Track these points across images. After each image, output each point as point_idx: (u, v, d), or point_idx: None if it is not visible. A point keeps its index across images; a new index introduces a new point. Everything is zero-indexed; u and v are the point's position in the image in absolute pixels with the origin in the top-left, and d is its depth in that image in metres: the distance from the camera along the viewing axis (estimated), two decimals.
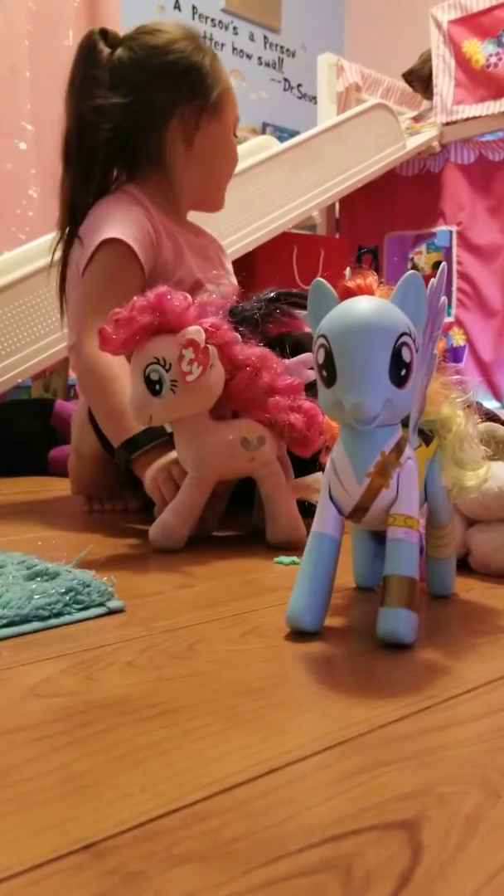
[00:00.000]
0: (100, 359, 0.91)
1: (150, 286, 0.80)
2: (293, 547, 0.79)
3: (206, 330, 0.75)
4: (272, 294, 0.88)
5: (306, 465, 0.85)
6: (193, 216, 1.18)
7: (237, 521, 0.93)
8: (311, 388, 0.84)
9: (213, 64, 1.07)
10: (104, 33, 1.06)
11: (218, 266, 1.13)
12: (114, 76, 1.04)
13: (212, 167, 1.11)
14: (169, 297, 0.75)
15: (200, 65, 1.06)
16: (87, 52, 1.05)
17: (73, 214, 1.06)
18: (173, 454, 0.84)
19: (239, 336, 0.82)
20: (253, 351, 0.81)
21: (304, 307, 0.88)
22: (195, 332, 0.74)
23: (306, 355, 0.88)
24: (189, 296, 0.78)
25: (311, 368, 0.85)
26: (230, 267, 1.21)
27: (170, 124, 1.06)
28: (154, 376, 0.74)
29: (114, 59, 1.04)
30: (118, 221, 1.00)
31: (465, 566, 0.69)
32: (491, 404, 2.37)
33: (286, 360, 0.86)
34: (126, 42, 1.05)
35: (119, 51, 1.05)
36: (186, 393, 0.75)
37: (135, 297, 0.77)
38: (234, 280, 1.17)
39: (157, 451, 0.88)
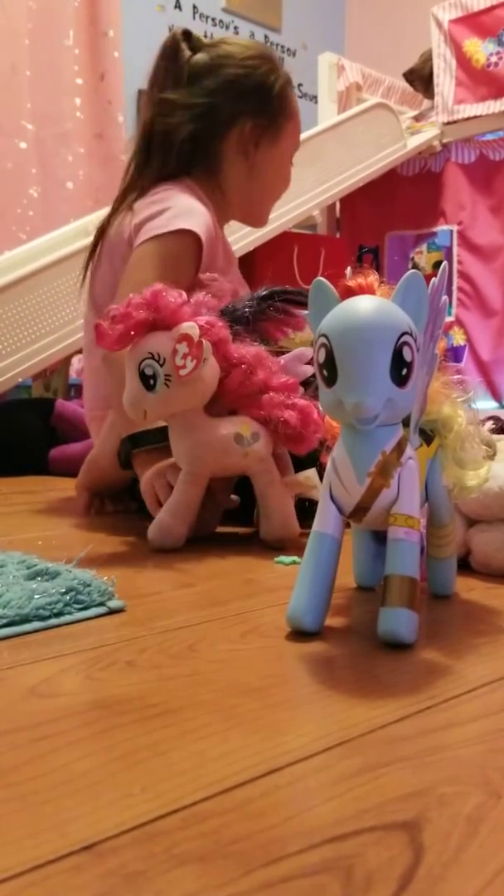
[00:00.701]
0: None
1: (201, 288, 0.84)
2: (286, 545, 0.80)
3: (200, 327, 0.76)
4: (265, 292, 0.88)
5: (305, 464, 0.85)
6: None
7: (237, 521, 0.93)
8: (308, 385, 0.84)
9: (283, 88, 1.12)
10: (187, 35, 1.11)
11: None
12: (190, 77, 1.09)
13: (263, 185, 1.16)
14: (164, 294, 0.77)
15: (271, 85, 1.11)
16: (170, 49, 1.10)
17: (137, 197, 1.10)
18: (171, 459, 0.84)
19: (233, 335, 0.82)
20: (248, 350, 0.82)
21: (301, 304, 0.88)
22: (189, 327, 0.75)
23: (301, 350, 0.88)
24: (184, 293, 0.79)
25: (307, 364, 0.86)
26: None
27: (229, 133, 1.10)
28: (148, 371, 0.75)
29: (192, 60, 1.09)
30: (197, 214, 1.02)
31: (465, 566, 0.69)
32: (490, 404, 2.37)
33: (282, 357, 0.86)
34: (206, 48, 1.11)
35: (199, 54, 1.10)
36: (180, 387, 0.75)
37: (130, 295, 0.78)
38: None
39: (161, 452, 0.87)
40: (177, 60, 1.09)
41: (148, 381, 0.75)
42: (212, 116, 1.08)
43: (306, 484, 0.83)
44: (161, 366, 0.75)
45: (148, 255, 0.99)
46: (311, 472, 0.83)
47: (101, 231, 1.11)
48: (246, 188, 1.14)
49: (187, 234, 0.99)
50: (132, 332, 0.75)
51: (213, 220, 1.06)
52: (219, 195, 1.12)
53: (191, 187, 1.09)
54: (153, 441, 0.88)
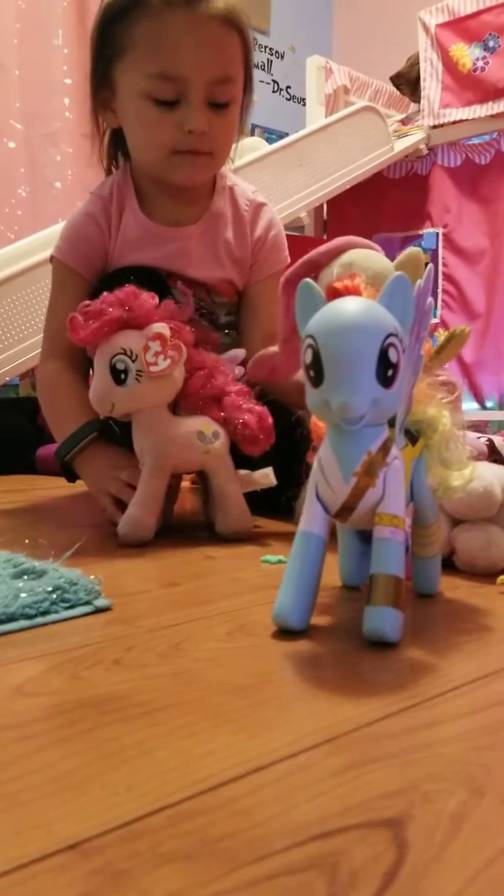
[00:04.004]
0: (43, 377, 1.03)
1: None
2: (242, 537, 0.84)
3: (171, 329, 0.81)
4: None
5: (257, 463, 0.88)
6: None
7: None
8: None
9: (102, 29, 0.94)
10: None
11: (206, 265, 1.05)
12: None
13: (131, 142, 1.00)
14: (138, 294, 0.81)
15: (94, 43, 0.95)
16: None
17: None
18: (114, 459, 0.90)
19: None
20: (208, 356, 0.87)
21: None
22: (162, 327, 0.80)
23: (234, 352, 0.92)
24: (156, 296, 0.83)
25: (240, 365, 0.91)
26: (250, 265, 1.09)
27: (99, 99, 1.00)
28: (120, 366, 0.79)
29: None
30: (67, 235, 1.05)
31: (449, 565, 0.69)
32: (472, 406, 2.38)
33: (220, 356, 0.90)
34: None
35: None
36: (150, 383, 0.80)
37: (104, 293, 0.82)
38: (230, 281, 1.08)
39: (90, 451, 0.94)
40: None
41: (119, 376, 0.79)
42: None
43: (262, 481, 0.86)
44: (133, 361, 0.79)
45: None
46: (268, 470, 0.86)
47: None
48: (133, 152, 1.01)
49: (55, 261, 1.05)
50: (105, 329, 0.79)
51: (111, 217, 1.02)
52: (135, 169, 1.04)
53: (114, 181, 1.04)
54: (80, 438, 0.94)
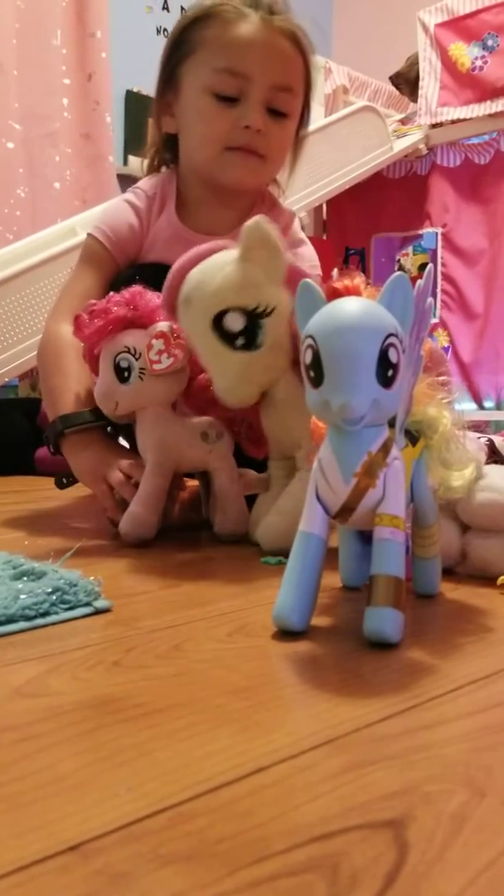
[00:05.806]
0: (52, 335, 0.98)
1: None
2: (239, 539, 0.83)
3: (173, 329, 0.80)
4: None
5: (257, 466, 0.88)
6: None
7: None
8: None
9: (177, 34, 0.98)
10: None
11: None
12: None
13: (186, 137, 1.02)
14: (142, 294, 0.82)
15: (168, 48, 1.00)
16: None
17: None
18: (115, 449, 0.89)
19: None
20: None
21: None
22: (165, 326, 0.80)
23: None
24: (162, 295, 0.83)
25: None
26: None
27: (162, 101, 1.04)
28: (124, 364, 0.80)
29: None
30: (106, 217, 1.06)
31: (451, 573, 0.69)
32: (470, 406, 2.38)
33: None
34: None
35: None
36: (153, 381, 0.80)
37: (110, 293, 0.83)
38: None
39: (89, 435, 0.91)
40: None
41: (122, 374, 0.80)
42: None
43: (264, 484, 0.85)
44: (136, 359, 0.80)
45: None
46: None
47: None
48: (183, 154, 1.04)
49: (91, 238, 1.05)
50: (110, 327, 0.80)
51: (152, 214, 1.05)
52: (182, 173, 1.06)
53: (159, 181, 1.06)
54: (85, 421, 0.91)
